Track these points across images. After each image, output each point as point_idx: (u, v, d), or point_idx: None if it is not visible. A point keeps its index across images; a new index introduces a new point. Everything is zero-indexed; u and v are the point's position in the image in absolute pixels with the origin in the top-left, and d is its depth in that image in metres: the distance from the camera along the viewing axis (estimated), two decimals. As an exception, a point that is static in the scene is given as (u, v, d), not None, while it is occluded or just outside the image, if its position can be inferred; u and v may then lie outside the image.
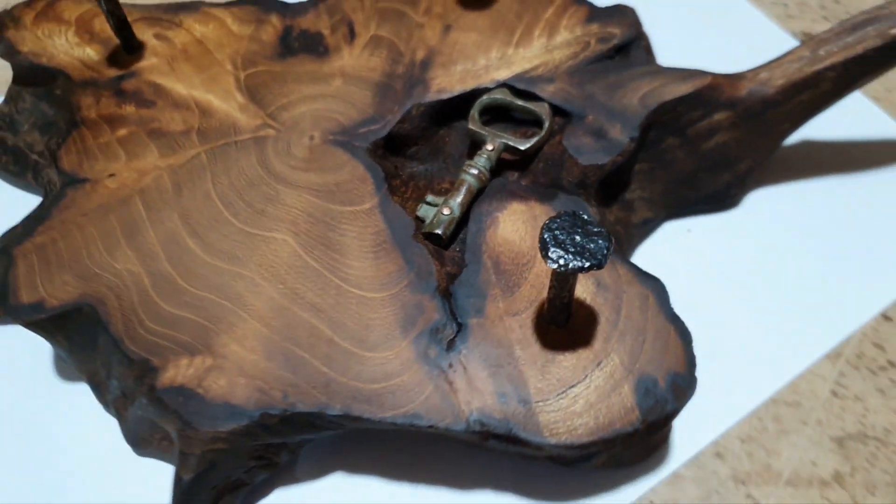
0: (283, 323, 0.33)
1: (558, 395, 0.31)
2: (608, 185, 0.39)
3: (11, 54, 0.41)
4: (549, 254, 0.27)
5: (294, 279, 0.34)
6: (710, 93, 0.39)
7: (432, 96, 0.39)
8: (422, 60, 0.40)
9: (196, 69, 0.40)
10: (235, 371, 0.32)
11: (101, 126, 0.39)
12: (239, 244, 0.35)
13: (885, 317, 0.41)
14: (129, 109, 0.39)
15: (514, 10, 0.42)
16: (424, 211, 0.36)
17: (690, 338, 0.33)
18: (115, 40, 0.41)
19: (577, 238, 0.28)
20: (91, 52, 0.41)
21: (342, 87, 0.39)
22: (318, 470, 0.36)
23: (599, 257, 0.27)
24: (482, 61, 0.40)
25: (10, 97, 0.43)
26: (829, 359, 0.39)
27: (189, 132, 0.38)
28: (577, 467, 0.35)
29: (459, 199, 0.36)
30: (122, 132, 0.38)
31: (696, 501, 0.35)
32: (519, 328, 0.33)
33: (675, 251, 0.43)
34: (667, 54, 0.49)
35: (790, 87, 0.39)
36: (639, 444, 0.33)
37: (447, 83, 0.40)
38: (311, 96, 0.39)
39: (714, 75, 0.39)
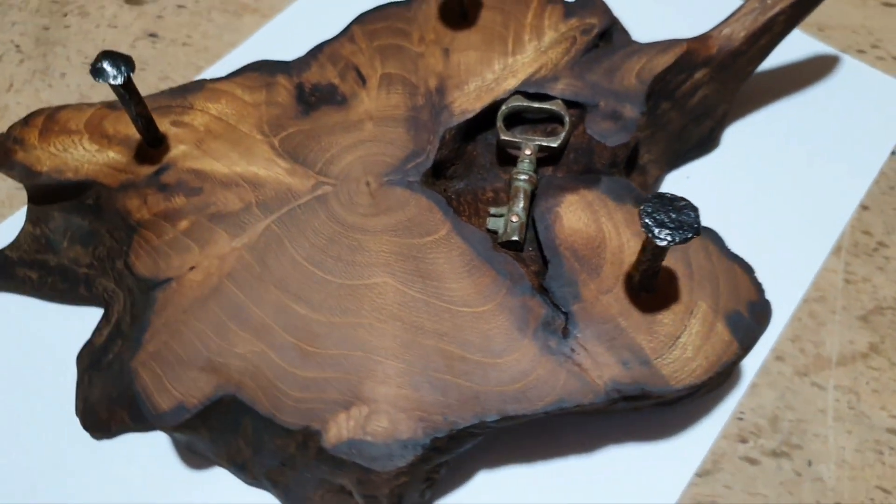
0: (415, 355, 0.36)
1: (670, 348, 0.36)
2: (627, 158, 0.44)
3: (30, 177, 0.41)
4: (658, 234, 0.32)
5: (408, 314, 0.37)
6: (689, 57, 0.44)
7: (458, 119, 0.42)
8: (436, 88, 0.43)
9: (228, 146, 0.41)
10: (392, 409, 0.35)
11: (159, 224, 0.39)
12: (344, 297, 0.37)
13: (864, 206, 0.48)
14: (180, 201, 0.40)
15: (499, 22, 0.45)
16: (494, 223, 0.40)
17: (752, 269, 0.38)
18: (133, 137, 0.41)
19: (672, 215, 0.32)
20: (115, 155, 0.41)
21: (375, 129, 0.42)
22: (464, 475, 0.40)
23: (695, 226, 0.32)
24: (489, 75, 0.44)
25: (35, 219, 0.43)
26: (833, 254, 0.46)
27: (249, 207, 0.40)
28: (680, 403, 0.41)
29: (521, 204, 0.40)
30: (184, 224, 0.39)
31: (775, 401, 0.42)
32: (615, 302, 0.37)
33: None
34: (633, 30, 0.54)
35: (751, 37, 0.45)
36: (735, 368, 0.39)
37: (467, 103, 0.43)
38: (351, 145, 0.41)
39: (687, 41, 0.44)
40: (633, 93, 0.43)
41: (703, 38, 0.45)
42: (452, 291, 0.37)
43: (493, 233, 0.40)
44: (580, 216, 0.39)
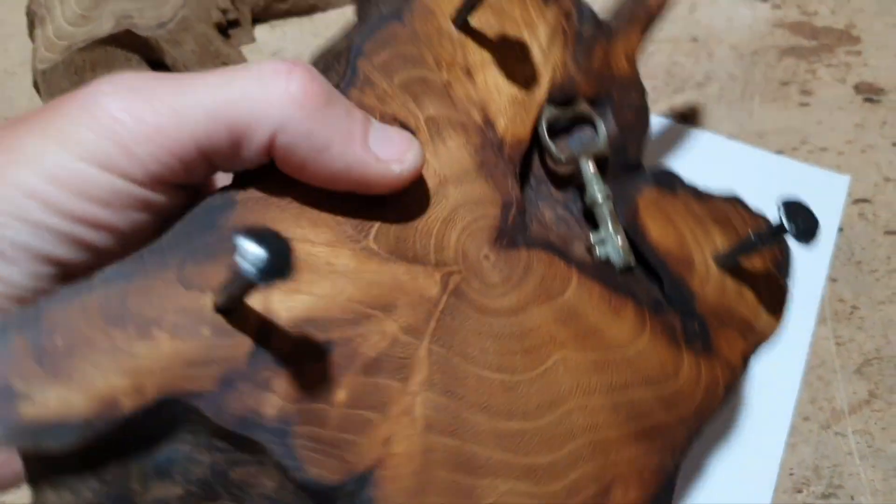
0: (627, 414, 0.34)
1: (760, 307, 0.39)
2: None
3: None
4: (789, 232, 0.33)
5: (600, 379, 0.34)
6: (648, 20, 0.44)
7: (516, 149, 0.36)
8: (483, 120, 0.35)
9: (320, 275, 0.29)
10: (636, 474, 0.34)
11: (311, 411, 0.28)
12: (542, 390, 0.32)
13: (832, 279, 0.60)
14: (317, 369, 0.29)
15: (495, 25, 0.37)
16: (602, 251, 0.37)
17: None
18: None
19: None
20: (182, 346, 0.26)
21: (456, 192, 0.34)
22: None
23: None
24: (517, 91, 0.37)
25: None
26: (821, 324, 0.58)
27: (396, 339, 0.30)
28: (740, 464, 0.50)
29: (612, 225, 0.37)
30: (342, 395, 0.29)
31: (812, 454, 0.52)
32: (716, 287, 0.38)
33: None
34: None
35: None
36: None
37: (514, 129, 0.36)
38: (446, 218, 0.33)
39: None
40: (631, 77, 0.41)
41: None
42: (614, 338, 0.34)
43: (607, 260, 0.37)
44: (656, 218, 0.38)
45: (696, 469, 0.51)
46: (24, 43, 0.76)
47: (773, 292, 0.40)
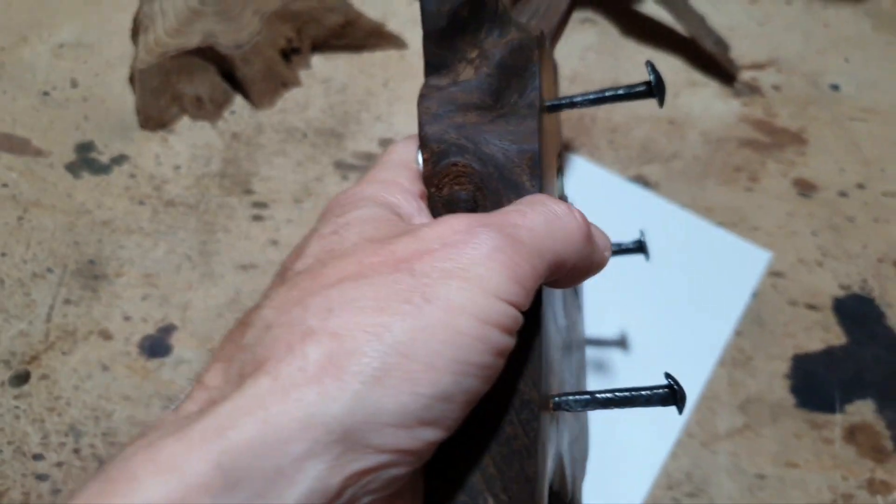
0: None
1: None
2: None
3: None
4: None
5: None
6: None
7: None
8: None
9: None
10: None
11: None
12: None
13: (738, 333, 0.74)
14: None
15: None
16: None
17: None
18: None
19: None
20: None
21: None
22: None
23: None
24: (553, 162, 0.44)
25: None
26: (720, 366, 0.72)
27: None
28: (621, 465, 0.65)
29: None
30: None
31: (689, 463, 0.66)
32: None
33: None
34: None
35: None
36: None
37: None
38: None
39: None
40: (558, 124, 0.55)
41: None
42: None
43: None
44: None
45: (590, 458, 0.65)
46: (123, 40, 0.93)
47: None
